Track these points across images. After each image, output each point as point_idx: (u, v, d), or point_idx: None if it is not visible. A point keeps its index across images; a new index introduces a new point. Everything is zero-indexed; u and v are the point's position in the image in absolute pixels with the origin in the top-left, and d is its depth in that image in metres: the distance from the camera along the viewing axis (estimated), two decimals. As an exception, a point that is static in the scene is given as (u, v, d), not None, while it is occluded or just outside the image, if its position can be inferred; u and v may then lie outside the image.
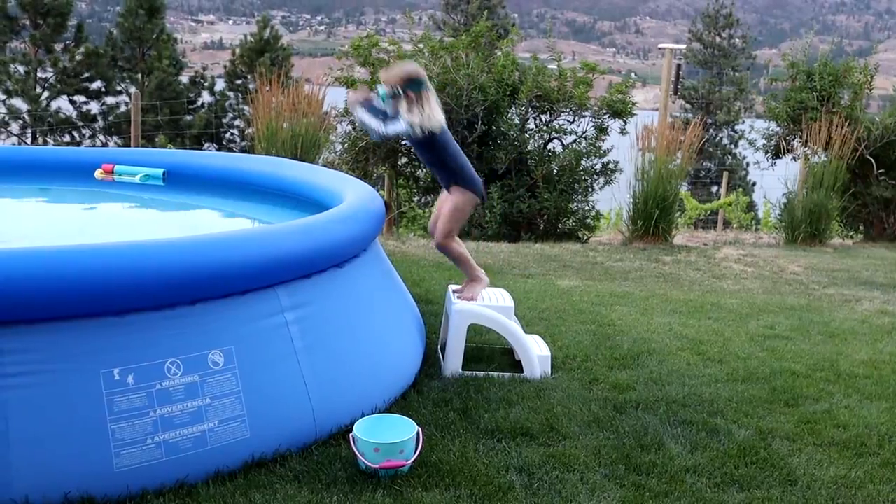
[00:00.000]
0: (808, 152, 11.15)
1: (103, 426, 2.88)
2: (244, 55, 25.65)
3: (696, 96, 33.73)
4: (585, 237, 11.24)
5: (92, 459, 2.86)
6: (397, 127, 4.49)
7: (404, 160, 11.83)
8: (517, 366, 4.55)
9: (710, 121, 31.80)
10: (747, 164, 29.97)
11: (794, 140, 11.91)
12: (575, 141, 11.28)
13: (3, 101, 23.96)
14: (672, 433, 3.75)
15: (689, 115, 29.96)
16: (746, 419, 3.97)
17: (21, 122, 24.02)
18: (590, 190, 11.32)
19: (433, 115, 4.53)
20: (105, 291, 2.89)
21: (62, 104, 25.01)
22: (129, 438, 2.92)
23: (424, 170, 12.11)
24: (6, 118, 23.89)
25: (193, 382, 3.08)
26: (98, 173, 6.26)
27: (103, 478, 2.87)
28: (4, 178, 6.28)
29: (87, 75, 24.83)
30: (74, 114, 24.93)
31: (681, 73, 11.82)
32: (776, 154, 12.21)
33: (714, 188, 29.98)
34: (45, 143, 23.81)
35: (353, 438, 3.24)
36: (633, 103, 11.21)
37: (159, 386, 3.00)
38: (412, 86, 4.53)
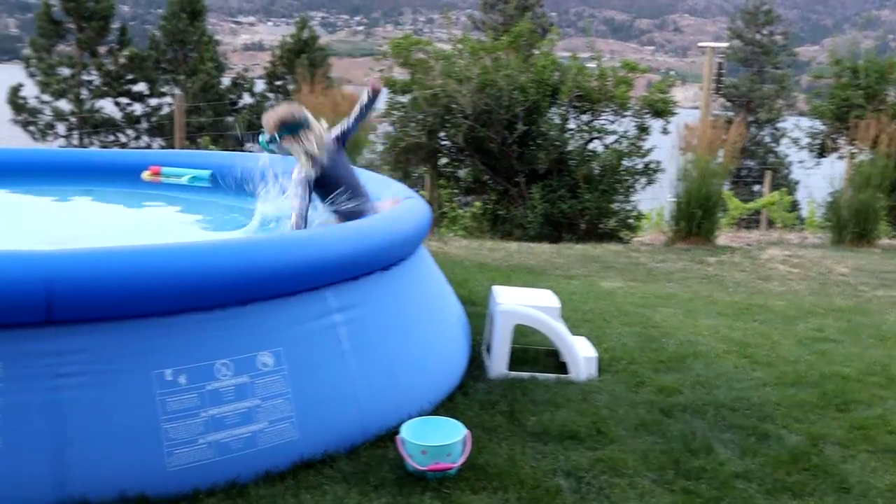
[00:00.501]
0: (855, 150, 10.96)
1: (156, 426, 2.92)
2: (283, 56, 25.88)
3: (737, 94, 33.33)
4: (627, 238, 11.17)
5: (145, 459, 2.90)
6: (296, 190, 4.25)
7: (445, 160, 11.86)
8: (562, 367, 4.53)
9: (751, 119, 31.41)
10: (790, 163, 29.54)
11: (839, 138, 11.71)
12: (616, 141, 11.21)
13: (50, 104, 24.42)
14: (721, 438, 3.70)
15: (730, 114, 29.60)
16: (797, 424, 3.90)
17: (67, 123, 24.46)
18: (631, 190, 11.25)
19: (310, 152, 4.33)
20: (158, 292, 2.93)
21: (107, 106, 25.44)
22: (181, 438, 2.95)
23: (465, 170, 12.13)
24: (53, 120, 24.34)
25: (244, 383, 3.10)
26: (145, 175, 6.35)
27: (156, 477, 2.91)
28: (53, 180, 6.39)
29: (130, 77, 25.23)
30: (119, 115, 25.33)
31: (722, 70, 11.68)
32: (821, 152, 12.02)
33: (756, 187, 29.56)
34: (90, 144, 24.20)
35: (401, 440, 3.25)
36: (675, 102, 11.11)
37: (210, 387, 3.03)
38: (285, 130, 4.35)
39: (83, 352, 2.84)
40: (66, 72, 24.64)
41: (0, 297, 2.71)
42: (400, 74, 12.00)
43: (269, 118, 4.40)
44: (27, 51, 24.95)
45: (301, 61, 23.86)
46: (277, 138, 4.36)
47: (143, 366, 2.92)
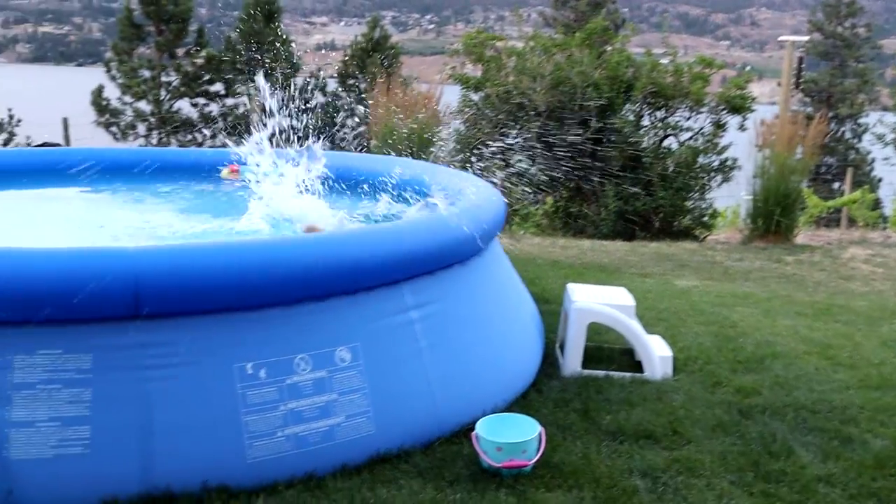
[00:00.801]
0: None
1: (237, 418, 2.99)
2: (355, 56, 26.13)
3: (817, 89, 32.41)
4: (702, 236, 10.98)
5: (227, 450, 2.97)
6: None
7: (517, 158, 11.84)
8: (637, 366, 4.48)
9: (831, 114, 30.51)
10: (872, 160, 28.62)
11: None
12: (691, 138, 11.03)
13: (131, 105, 25.14)
14: (802, 440, 3.62)
15: (809, 109, 28.83)
16: (882, 429, 3.79)
17: (147, 124, 25.14)
18: (706, 187, 11.06)
19: None
20: (240, 287, 3.00)
21: (184, 106, 26.08)
22: (261, 431, 3.02)
23: (537, 167, 12.08)
24: (133, 121, 25.06)
25: (321, 378, 3.16)
26: (224, 172, 6.48)
27: (237, 468, 2.98)
28: (134, 179, 6.57)
29: (207, 78, 25.80)
30: (196, 115, 25.94)
31: (802, 65, 11.39)
32: (906, 148, 11.62)
33: (836, 185, 28.73)
34: (169, 144, 24.84)
35: (476, 437, 3.26)
36: (753, 98, 10.88)
37: (289, 381, 3.09)
38: None
39: (168, 345, 2.92)
40: (146, 74, 25.33)
41: (90, 293, 2.80)
42: (472, 71, 12.02)
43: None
44: (109, 54, 25.72)
45: (373, 60, 24.07)
46: None
47: (225, 359, 2.99)
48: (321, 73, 27.64)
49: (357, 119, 24.79)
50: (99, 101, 24.65)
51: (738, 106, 10.79)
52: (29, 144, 25.29)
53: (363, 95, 23.41)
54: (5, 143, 26.25)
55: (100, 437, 2.83)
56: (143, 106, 25.32)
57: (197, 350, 2.96)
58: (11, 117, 26.47)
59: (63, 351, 2.82)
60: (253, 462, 3.00)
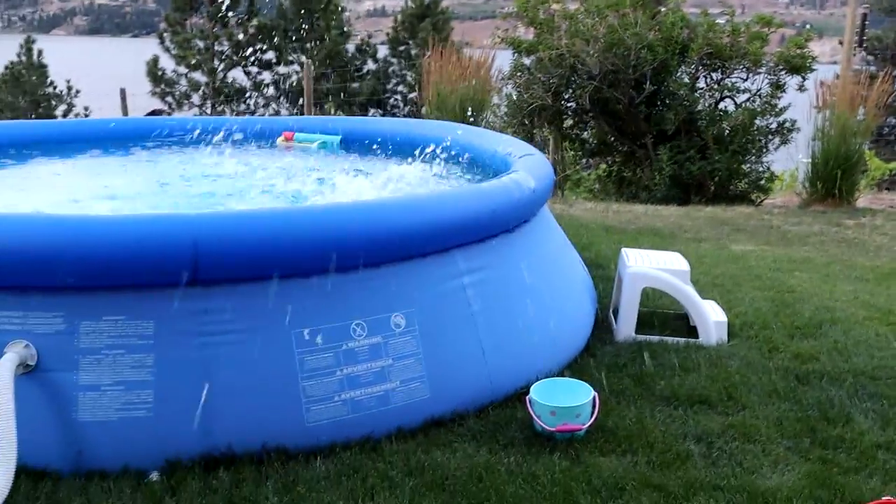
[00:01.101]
0: None
1: (295, 383, 3.05)
2: (406, 21, 26.01)
3: (881, 47, 31.33)
4: (759, 200, 10.78)
5: (285, 413, 3.03)
6: None
7: (570, 122, 11.73)
8: (692, 332, 4.45)
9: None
10: (939, 120, 27.67)
11: None
12: (748, 99, 10.79)
13: (185, 75, 25.45)
14: (861, 407, 3.57)
15: (873, 68, 27.94)
16: (945, 395, 3.71)
17: (201, 93, 25.45)
18: (764, 150, 10.82)
19: None
20: (297, 253, 3.05)
21: (237, 75, 26.30)
22: (319, 395, 3.08)
23: (590, 131, 11.96)
24: (188, 90, 25.38)
25: (377, 343, 3.20)
26: (279, 140, 6.57)
27: (295, 431, 3.04)
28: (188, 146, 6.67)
29: (259, 46, 25.96)
30: (248, 84, 26.15)
31: (866, 22, 11.03)
32: (975, 108, 11.22)
33: (899, 146, 27.90)
34: (223, 112, 25.12)
35: (530, 401, 3.28)
36: (813, 58, 10.57)
37: (346, 346, 3.14)
38: None
39: (228, 311, 2.99)
40: (199, 44, 25.57)
41: (150, 259, 2.88)
42: (524, 35, 11.89)
43: None
44: (163, 25, 26.00)
45: (424, 26, 23.96)
46: None
47: (283, 325, 3.04)
48: (371, 39, 27.61)
49: (408, 85, 24.75)
50: (154, 72, 25.00)
51: (798, 66, 10.50)
52: (87, 115, 25.80)
53: (414, 62, 23.35)
54: (64, 115, 26.83)
55: (162, 401, 2.91)
56: (198, 76, 25.62)
57: (255, 316, 3.02)
58: (70, 88, 27.02)
59: (126, 317, 2.91)
60: (311, 426, 3.06)
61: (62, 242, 2.82)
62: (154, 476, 2.87)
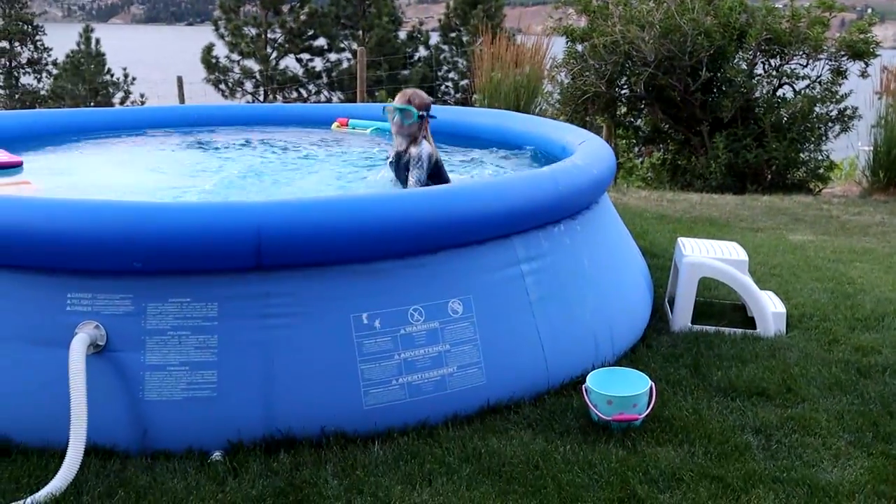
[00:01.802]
0: None
1: (353, 367, 3.09)
2: (458, 8, 25.94)
3: (946, 32, 30.41)
4: (817, 189, 10.57)
5: (344, 397, 3.08)
6: (416, 173, 4.27)
7: (623, 110, 11.60)
8: (749, 323, 4.40)
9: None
10: None
11: None
12: (808, 86, 10.56)
13: (238, 63, 25.74)
14: (926, 401, 3.50)
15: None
16: None
17: (254, 81, 25.72)
18: (823, 138, 10.58)
19: (430, 141, 4.40)
20: (356, 239, 3.08)
21: (290, 63, 26.52)
22: (377, 379, 3.11)
23: (644, 119, 11.82)
24: (241, 78, 25.66)
25: (434, 329, 3.22)
26: (334, 126, 6.66)
27: (353, 415, 3.08)
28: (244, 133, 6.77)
29: (311, 34, 26.13)
30: (301, 71, 26.36)
31: (932, 6, 10.69)
32: None
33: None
34: (275, 100, 25.36)
35: (586, 390, 3.27)
36: (877, 42, 10.30)
37: (403, 331, 3.17)
38: (426, 113, 4.37)
39: (289, 295, 3.04)
40: (252, 31, 25.83)
41: (215, 245, 2.93)
42: (577, 21, 11.79)
43: (422, 95, 4.41)
44: (217, 12, 26.31)
45: (475, 13, 23.88)
46: (416, 116, 4.33)
47: (342, 310, 3.09)
48: (423, 26, 27.60)
49: (459, 72, 24.72)
50: (208, 60, 25.31)
51: (860, 51, 10.23)
52: (143, 102, 26.25)
53: (465, 49, 23.30)
54: (121, 102, 27.33)
55: (225, 382, 2.97)
56: (251, 64, 25.88)
57: (315, 300, 3.07)
58: (126, 76, 27.52)
59: (191, 299, 2.97)
60: (368, 409, 3.10)
61: (131, 228, 2.89)
62: (217, 456, 2.93)
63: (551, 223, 3.68)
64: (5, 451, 2.91)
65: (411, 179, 4.24)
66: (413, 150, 4.30)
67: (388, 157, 4.52)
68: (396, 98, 4.40)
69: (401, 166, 4.39)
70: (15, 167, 5.08)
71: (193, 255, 2.93)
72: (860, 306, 4.75)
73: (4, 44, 30.31)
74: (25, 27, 30.38)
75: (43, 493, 2.61)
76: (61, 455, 2.75)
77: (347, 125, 6.65)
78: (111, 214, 2.94)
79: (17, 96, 28.45)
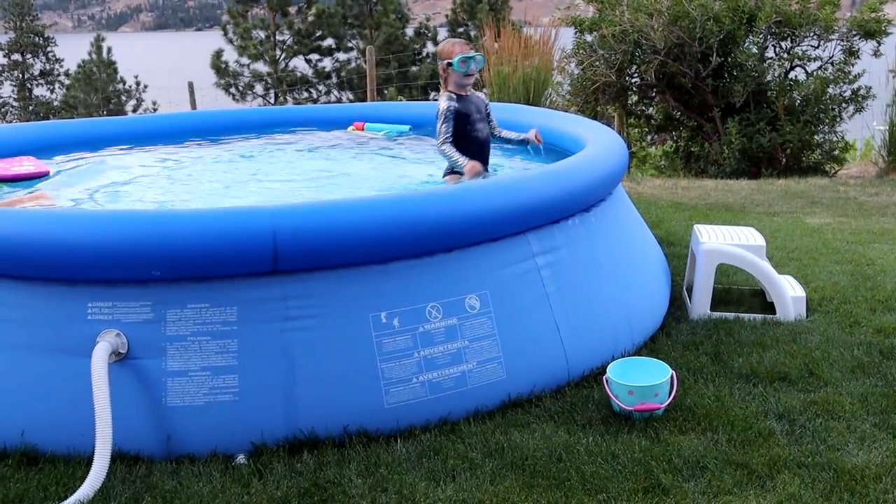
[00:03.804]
0: None
1: (374, 366, 3.10)
2: (464, 3, 25.93)
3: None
4: (833, 171, 10.49)
5: (365, 396, 3.09)
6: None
7: (634, 98, 11.55)
8: (768, 308, 4.38)
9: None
10: None
11: None
12: (820, 67, 10.49)
13: (248, 66, 25.83)
14: (950, 381, 3.47)
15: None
16: None
17: (264, 83, 25.81)
18: (837, 119, 10.51)
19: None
20: (373, 241, 3.09)
21: (299, 64, 26.58)
22: (397, 377, 3.12)
23: (655, 107, 11.77)
24: (251, 81, 25.76)
25: (453, 325, 3.23)
26: (350, 128, 6.71)
27: (375, 413, 3.09)
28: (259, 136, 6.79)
29: (319, 34, 26.19)
30: (310, 72, 26.42)
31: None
32: None
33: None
34: (285, 102, 25.42)
35: (607, 380, 3.27)
36: (889, 21, 10.20)
37: (422, 329, 3.18)
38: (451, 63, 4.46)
39: (307, 297, 3.05)
40: (260, 34, 25.92)
41: (232, 250, 2.94)
42: (584, 12, 11.75)
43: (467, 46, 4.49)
44: (225, 17, 26.41)
45: (482, 6, 23.86)
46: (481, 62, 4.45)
47: (360, 310, 3.10)
48: (430, 22, 27.59)
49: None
50: (218, 64, 25.42)
51: (872, 30, 10.14)
52: (156, 109, 26.40)
53: (473, 43, 23.27)
54: (134, 110, 27.49)
55: (247, 385, 2.99)
56: (260, 66, 25.98)
57: (334, 301, 3.08)
58: (138, 84, 27.69)
59: (210, 305, 2.99)
60: (390, 407, 3.11)
61: (148, 237, 2.91)
62: (241, 459, 2.95)
63: (565, 217, 3.68)
64: (33, 460, 2.94)
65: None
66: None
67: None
68: (466, 48, 4.47)
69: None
70: (42, 177, 5.11)
71: (211, 260, 2.94)
72: (880, 287, 4.72)
73: (17, 56, 30.56)
74: (37, 39, 30.63)
75: (71, 500, 2.64)
76: (88, 462, 2.78)
77: (364, 129, 6.68)
78: (129, 224, 2.96)
79: (30, 108, 28.67)
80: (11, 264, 2.98)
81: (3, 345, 3.02)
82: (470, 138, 4.43)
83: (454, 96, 4.43)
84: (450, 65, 4.40)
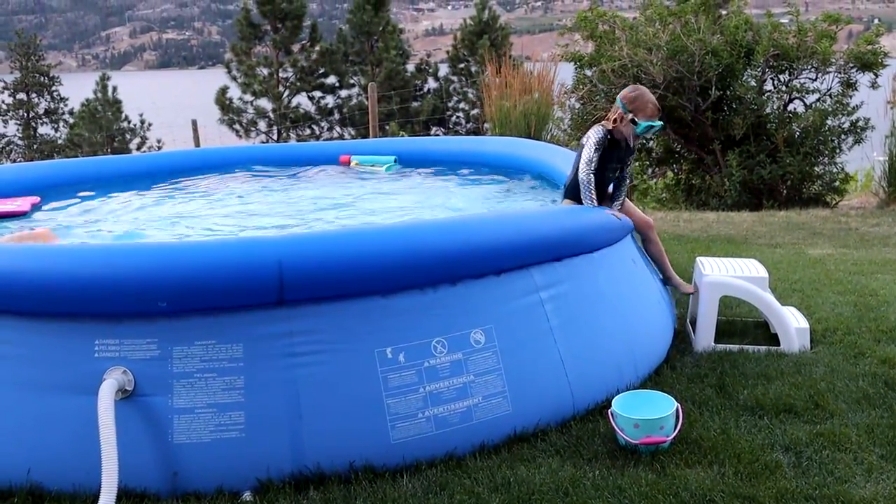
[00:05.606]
0: None
1: (380, 401, 3.10)
2: (465, 39, 26.16)
3: (955, 38, 30.36)
4: (834, 202, 10.53)
5: (371, 432, 3.09)
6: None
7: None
8: (772, 339, 4.38)
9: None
10: None
11: None
12: (819, 100, 10.57)
13: (251, 103, 26.01)
14: (956, 412, 3.46)
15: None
16: None
17: (267, 120, 25.97)
18: (837, 151, 10.57)
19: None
20: (376, 272, 3.12)
21: (302, 100, 26.76)
22: (403, 413, 3.12)
23: (655, 141, 11.84)
24: (255, 118, 25.93)
25: (458, 360, 3.24)
26: (341, 161, 6.85)
27: (381, 449, 3.09)
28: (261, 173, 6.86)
29: (322, 71, 26.41)
30: (313, 109, 26.60)
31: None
32: None
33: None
34: (288, 138, 25.57)
35: (612, 414, 3.27)
36: (885, 53, 10.30)
37: (427, 364, 3.19)
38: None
39: (313, 333, 3.06)
40: (264, 71, 26.14)
41: (238, 280, 2.97)
42: (583, 48, 11.87)
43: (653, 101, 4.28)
44: (228, 55, 26.66)
45: (482, 42, 24.07)
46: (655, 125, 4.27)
47: (366, 345, 3.11)
48: (431, 58, 27.84)
49: (469, 102, 24.87)
50: (222, 101, 25.59)
51: (869, 62, 10.24)
52: (160, 147, 26.57)
53: (474, 78, 23.46)
54: (138, 147, 27.66)
55: (253, 422, 2.99)
56: (264, 103, 26.16)
57: (339, 337, 3.09)
58: (143, 122, 27.88)
59: (216, 341, 3.00)
60: (396, 443, 3.11)
61: (153, 269, 2.93)
62: (247, 496, 2.94)
63: (568, 256, 3.71)
64: (39, 499, 2.93)
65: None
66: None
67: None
68: (657, 114, 4.29)
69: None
70: (21, 216, 5.16)
71: (217, 291, 2.96)
72: (884, 318, 4.72)
73: (22, 95, 30.82)
74: (42, 78, 30.89)
75: (77, 539, 2.63)
76: (94, 500, 2.77)
77: (350, 162, 6.82)
78: (133, 257, 2.99)
79: (35, 146, 28.86)
80: (20, 300, 3.00)
81: (10, 383, 3.03)
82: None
83: (610, 136, 4.27)
84: (634, 121, 4.21)
